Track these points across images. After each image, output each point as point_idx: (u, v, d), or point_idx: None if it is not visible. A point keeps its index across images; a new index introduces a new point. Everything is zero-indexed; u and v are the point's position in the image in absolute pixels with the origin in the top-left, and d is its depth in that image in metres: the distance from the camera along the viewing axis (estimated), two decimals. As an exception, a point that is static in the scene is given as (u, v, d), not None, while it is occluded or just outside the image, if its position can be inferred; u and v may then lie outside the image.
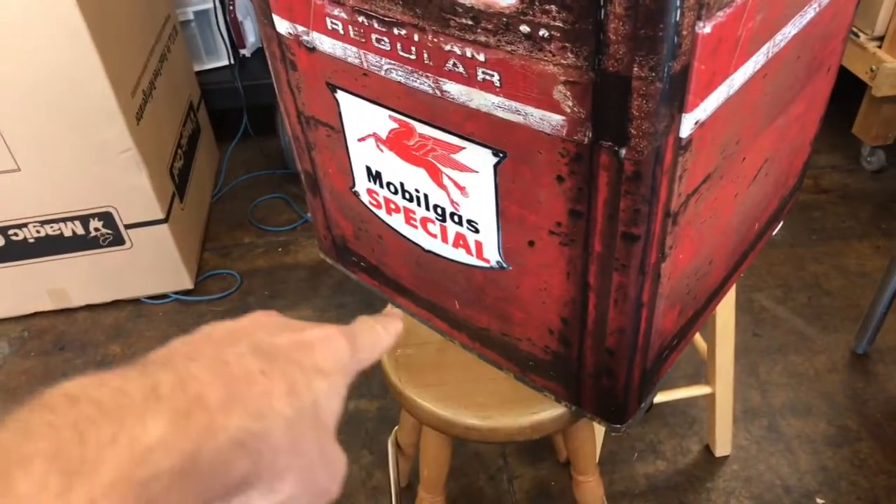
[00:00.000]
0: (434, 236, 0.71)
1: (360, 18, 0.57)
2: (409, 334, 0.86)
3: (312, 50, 0.65)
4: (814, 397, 1.44)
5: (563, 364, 0.71)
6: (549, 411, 0.77)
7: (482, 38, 0.51)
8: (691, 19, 0.43)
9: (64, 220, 1.55)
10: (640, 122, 0.47)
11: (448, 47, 0.53)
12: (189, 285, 1.74)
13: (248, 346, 0.29)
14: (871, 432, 1.37)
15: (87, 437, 0.22)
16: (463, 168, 0.61)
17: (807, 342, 1.55)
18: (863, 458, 1.33)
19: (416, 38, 0.55)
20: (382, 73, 0.60)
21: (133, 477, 0.22)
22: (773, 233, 0.89)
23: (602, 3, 0.43)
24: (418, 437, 0.95)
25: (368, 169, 0.71)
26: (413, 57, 0.56)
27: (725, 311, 1.10)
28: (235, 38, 2.06)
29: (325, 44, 0.63)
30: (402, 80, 0.59)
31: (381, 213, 0.75)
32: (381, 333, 0.36)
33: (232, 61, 2.07)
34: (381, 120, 0.64)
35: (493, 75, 0.52)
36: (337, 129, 0.70)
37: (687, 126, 0.49)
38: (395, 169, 0.68)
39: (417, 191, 0.68)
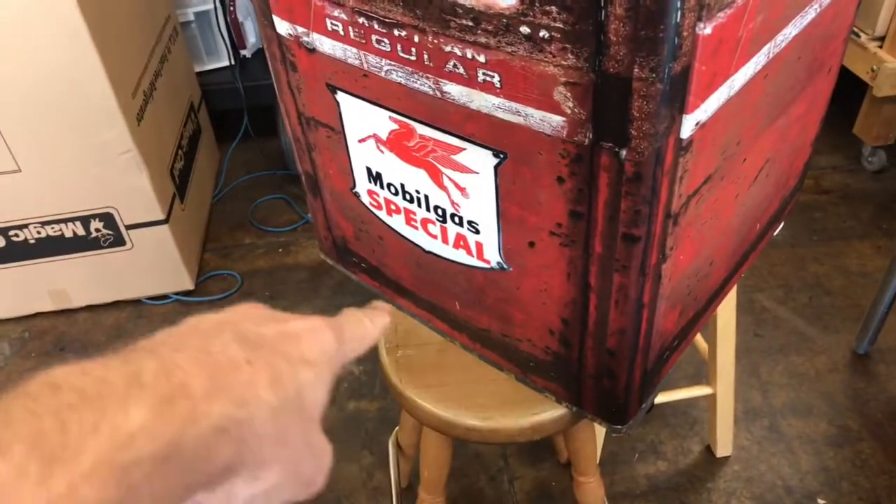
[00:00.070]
0: (434, 237, 0.71)
1: (361, 20, 0.57)
2: (410, 335, 0.86)
3: (313, 51, 0.64)
4: (815, 397, 1.44)
5: (563, 365, 0.70)
6: (550, 412, 0.77)
7: (482, 40, 0.51)
8: (692, 20, 0.43)
9: (64, 220, 1.55)
10: (641, 123, 0.47)
11: (448, 48, 0.53)
12: (190, 286, 1.74)
13: (233, 336, 0.29)
14: (873, 432, 1.37)
15: (68, 425, 0.22)
16: (463, 169, 0.61)
17: (808, 342, 1.55)
18: (864, 458, 1.33)
19: (416, 39, 0.55)
20: (383, 74, 0.60)
21: (114, 462, 0.22)
22: (774, 233, 0.89)
23: (602, 5, 0.43)
24: (419, 438, 0.95)
25: (369, 170, 0.71)
26: (413, 58, 0.56)
27: (726, 312, 1.10)
28: (236, 39, 2.06)
29: (326, 45, 0.63)
30: (403, 82, 0.59)
31: (382, 214, 0.75)
32: (368, 326, 0.36)
33: (232, 62, 2.07)
34: (382, 121, 0.64)
35: (493, 76, 0.52)
36: (337, 130, 0.70)
37: (688, 127, 0.49)
38: (396, 170, 0.68)
39: (418, 192, 0.68)
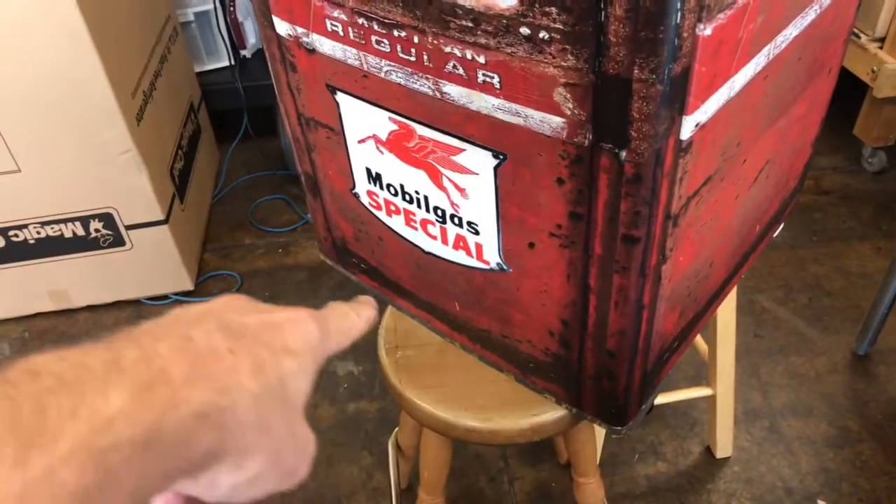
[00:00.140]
0: (434, 238, 0.71)
1: (360, 20, 0.57)
2: (409, 336, 0.86)
3: (312, 51, 0.64)
4: (815, 398, 1.44)
5: (563, 366, 0.70)
6: (550, 413, 0.76)
7: (482, 40, 0.51)
8: (692, 21, 0.43)
9: (64, 221, 1.55)
10: (641, 124, 0.47)
11: (448, 49, 0.53)
12: (189, 286, 1.74)
13: (216, 326, 0.29)
14: (873, 433, 1.37)
15: (46, 409, 0.22)
16: (463, 170, 0.61)
17: (808, 343, 1.55)
18: (864, 459, 1.33)
19: (415, 39, 0.55)
20: (382, 74, 0.60)
21: (92, 446, 0.22)
22: (774, 234, 0.89)
23: (602, 6, 0.43)
24: (418, 439, 0.95)
25: (368, 171, 0.71)
26: (413, 59, 0.56)
27: (726, 313, 1.10)
28: (236, 39, 2.06)
29: (325, 45, 0.63)
30: (402, 82, 0.59)
31: (382, 215, 0.75)
32: (353, 319, 0.36)
33: (232, 62, 2.07)
34: (381, 122, 0.64)
35: (493, 77, 0.52)
36: (337, 130, 0.70)
37: (687, 128, 0.49)
38: (396, 171, 0.68)
39: (417, 192, 0.68)
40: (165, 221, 1.60)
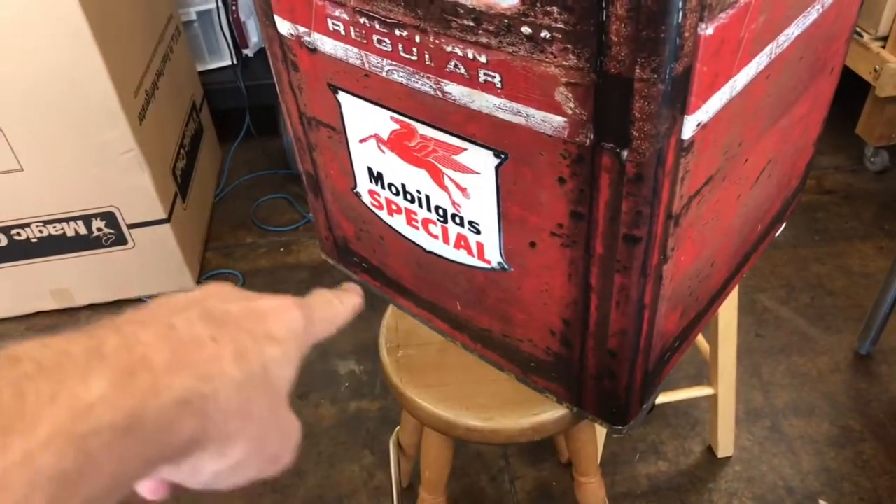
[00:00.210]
0: (435, 237, 0.71)
1: (362, 20, 0.57)
2: (411, 335, 0.86)
3: (314, 51, 0.64)
4: (817, 398, 1.44)
5: (564, 365, 0.70)
6: (551, 413, 0.76)
7: (483, 40, 0.51)
8: (693, 21, 0.43)
9: (66, 219, 1.55)
10: (642, 123, 0.47)
11: (449, 48, 0.53)
12: (191, 285, 1.74)
13: (198, 314, 0.29)
14: (874, 433, 1.37)
15: (26, 395, 0.22)
16: (464, 169, 0.61)
17: (810, 343, 1.54)
18: (866, 458, 1.33)
19: (417, 39, 0.55)
20: (384, 74, 0.60)
21: (72, 432, 0.22)
22: (776, 234, 0.89)
23: (604, 5, 0.43)
24: (420, 438, 0.95)
25: (370, 170, 0.71)
26: (414, 58, 0.56)
27: (728, 312, 1.10)
28: (238, 38, 2.06)
29: (327, 45, 0.63)
30: (404, 82, 0.59)
31: (383, 214, 0.75)
32: (338, 306, 0.36)
33: (235, 61, 2.07)
34: (383, 121, 0.64)
35: (494, 77, 0.52)
36: (338, 130, 0.70)
37: (689, 128, 0.49)
38: (397, 170, 0.68)
39: (419, 192, 0.68)
40: (167, 220, 1.60)
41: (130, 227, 1.59)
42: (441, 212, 0.67)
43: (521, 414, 0.77)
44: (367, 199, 0.75)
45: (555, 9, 0.45)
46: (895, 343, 1.52)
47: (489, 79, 0.52)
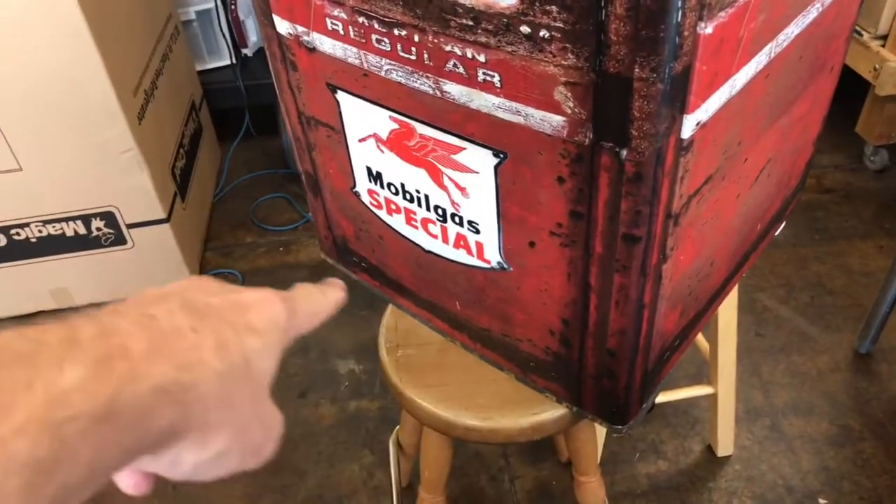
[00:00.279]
0: (435, 237, 0.71)
1: (361, 19, 0.57)
2: (410, 335, 0.86)
3: (313, 50, 0.64)
4: (816, 397, 1.44)
5: (564, 365, 0.70)
6: (550, 412, 0.76)
7: (482, 39, 0.50)
8: (693, 20, 0.43)
9: (66, 219, 1.55)
10: (642, 123, 0.47)
11: (448, 48, 0.53)
12: (191, 285, 1.74)
13: (179, 304, 0.29)
14: (874, 432, 1.37)
15: (2, 382, 0.22)
16: (463, 169, 0.61)
17: (809, 342, 1.54)
18: (865, 458, 1.33)
19: (416, 38, 0.55)
20: (383, 73, 0.60)
21: (47, 418, 0.22)
22: (776, 233, 0.89)
23: (603, 4, 0.43)
24: (419, 438, 0.95)
25: (369, 169, 0.71)
26: (413, 57, 0.56)
27: (728, 312, 1.10)
28: (237, 38, 2.06)
29: (326, 44, 0.62)
30: (403, 81, 0.59)
31: (382, 214, 0.75)
32: (321, 300, 0.36)
33: (234, 61, 2.07)
34: (382, 120, 0.64)
35: (493, 76, 0.52)
36: (337, 129, 0.70)
37: (688, 127, 0.49)
38: (396, 169, 0.68)
39: (418, 191, 0.68)
40: (167, 220, 1.60)
41: (130, 226, 1.59)
42: (440, 211, 0.67)
43: (521, 413, 0.77)
44: (366, 198, 0.75)
45: (554, 8, 0.45)
46: (895, 342, 1.52)
47: (488, 78, 0.52)
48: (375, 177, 0.71)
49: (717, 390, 1.24)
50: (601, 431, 1.04)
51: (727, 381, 1.22)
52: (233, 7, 2.00)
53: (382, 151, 0.68)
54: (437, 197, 0.66)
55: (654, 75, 0.44)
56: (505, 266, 0.66)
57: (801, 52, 0.62)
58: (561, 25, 0.46)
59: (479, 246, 0.67)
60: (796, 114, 0.71)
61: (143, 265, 1.67)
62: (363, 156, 0.70)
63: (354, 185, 0.75)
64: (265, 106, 2.04)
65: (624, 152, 0.49)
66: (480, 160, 0.59)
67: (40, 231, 1.56)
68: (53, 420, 0.22)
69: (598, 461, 1.02)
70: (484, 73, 0.52)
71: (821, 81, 0.74)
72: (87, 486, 0.24)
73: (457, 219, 0.66)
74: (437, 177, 0.64)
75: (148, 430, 0.25)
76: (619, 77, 0.46)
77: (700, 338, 1.24)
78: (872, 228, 1.82)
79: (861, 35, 1.81)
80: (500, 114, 0.54)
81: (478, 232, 0.66)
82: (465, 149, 0.59)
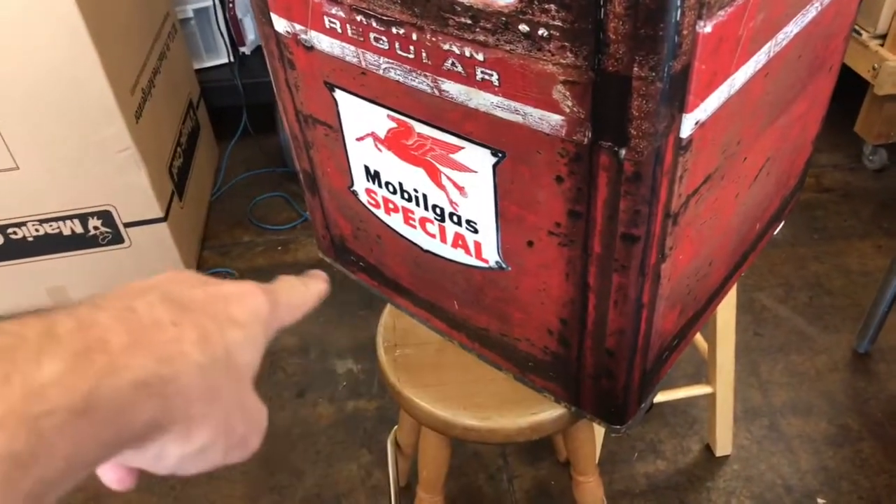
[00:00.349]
0: (433, 236, 0.70)
1: (359, 17, 0.57)
2: (408, 334, 0.85)
3: (310, 49, 0.64)
4: (815, 397, 1.44)
5: (562, 365, 0.70)
6: (549, 412, 0.76)
7: (481, 38, 0.50)
8: (692, 19, 0.43)
9: (63, 218, 1.55)
10: (640, 122, 0.47)
11: (447, 46, 0.53)
12: (189, 284, 1.74)
13: (159, 298, 0.29)
14: (873, 432, 1.37)
15: None
16: (462, 168, 0.61)
17: (808, 341, 1.54)
18: (864, 457, 1.33)
19: (414, 37, 0.54)
20: (381, 72, 0.59)
21: (24, 412, 0.22)
22: (775, 232, 0.88)
23: (602, 3, 0.43)
24: (417, 437, 0.95)
25: (367, 168, 0.71)
26: (411, 56, 0.56)
27: (726, 311, 1.10)
28: (235, 36, 2.06)
29: (324, 42, 0.62)
30: (401, 80, 0.58)
31: (380, 213, 0.74)
32: (303, 292, 0.36)
33: (232, 59, 2.06)
34: (380, 119, 0.64)
35: (491, 75, 0.52)
36: (335, 128, 0.70)
37: (687, 126, 0.49)
38: (394, 168, 0.68)
39: (416, 190, 0.68)
40: (164, 219, 1.60)
41: (127, 225, 1.59)
42: (438, 211, 0.67)
43: (519, 413, 0.76)
44: (364, 197, 0.75)
45: (552, 6, 0.45)
46: (893, 342, 1.52)
47: (486, 77, 0.52)
48: (373, 176, 0.71)
49: (715, 390, 1.24)
50: (599, 431, 1.04)
51: (726, 381, 1.22)
52: (231, 5, 1.99)
53: (380, 150, 0.67)
54: (436, 196, 0.66)
55: (653, 74, 0.44)
56: (503, 265, 0.66)
57: (800, 51, 0.62)
58: (559, 24, 0.46)
59: (478, 245, 0.67)
60: (795, 113, 0.71)
61: (140, 264, 1.66)
62: (361, 155, 0.70)
63: (352, 184, 0.75)
64: (263, 104, 2.04)
65: (623, 151, 0.49)
66: (479, 159, 0.59)
67: (37, 230, 1.56)
68: (30, 414, 0.22)
69: (597, 461, 1.02)
70: (482, 72, 0.52)
71: (820, 81, 0.74)
72: (66, 480, 0.23)
73: (455, 218, 0.66)
74: (435, 176, 0.64)
75: (128, 423, 0.25)
76: (618, 76, 0.46)
77: (699, 337, 1.23)
78: (871, 228, 1.82)
79: (860, 34, 1.80)
80: (499, 113, 0.54)
81: (476, 231, 0.65)
82: (463, 148, 0.59)
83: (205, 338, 0.28)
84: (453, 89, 0.55)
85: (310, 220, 1.55)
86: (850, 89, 1.71)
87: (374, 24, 0.56)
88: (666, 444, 1.38)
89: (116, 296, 0.28)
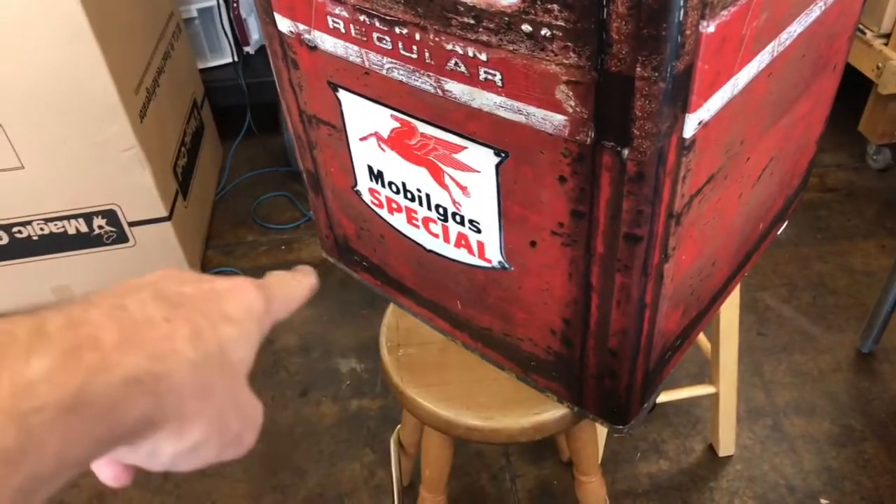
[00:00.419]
0: (436, 236, 0.70)
1: (362, 17, 0.57)
2: (411, 334, 0.85)
3: (314, 48, 0.64)
4: (818, 397, 1.43)
5: (565, 365, 0.70)
6: (552, 412, 0.76)
7: (484, 38, 0.50)
8: (695, 18, 0.43)
9: (68, 217, 1.55)
10: (643, 122, 0.47)
11: (450, 46, 0.53)
12: (192, 283, 1.74)
13: (151, 295, 0.28)
14: (876, 432, 1.37)
15: None
16: (465, 168, 0.61)
17: (811, 341, 1.54)
18: (867, 458, 1.33)
19: (417, 37, 0.54)
20: (384, 72, 0.59)
21: (13, 409, 0.22)
22: (778, 232, 0.88)
23: (605, 3, 0.43)
24: (420, 437, 0.95)
25: (370, 168, 0.71)
26: (415, 56, 0.56)
27: (729, 311, 1.10)
28: (239, 36, 2.06)
29: (327, 42, 0.62)
30: (404, 80, 0.58)
31: (383, 213, 0.75)
32: (294, 287, 0.37)
33: (236, 59, 2.06)
34: (383, 119, 0.64)
35: (494, 75, 0.52)
36: (338, 127, 0.70)
37: (690, 126, 0.49)
38: (397, 168, 0.68)
39: (419, 190, 0.68)
40: (168, 218, 1.60)
41: (131, 224, 1.59)
42: (441, 210, 0.67)
43: (522, 413, 0.76)
44: (367, 197, 0.75)
45: (555, 6, 0.45)
46: (897, 342, 1.52)
47: (489, 77, 0.52)
48: (376, 175, 0.71)
49: (718, 390, 1.23)
50: (602, 431, 1.04)
51: (729, 381, 1.22)
52: (234, 5, 2.00)
53: (384, 150, 0.67)
54: (439, 196, 0.66)
55: (656, 74, 0.44)
56: (506, 265, 0.66)
57: (803, 50, 0.62)
58: (562, 24, 0.46)
59: (481, 245, 0.67)
60: (799, 112, 0.70)
61: (144, 263, 1.67)
62: (364, 154, 0.70)
63: (355, 184, 0.75)
64: (267, 104, 2.04)
65: (626, 152, 0.49)
66: (482, 159, 0.59)
67: (42, 229, 1.56)
68: (20, 410, 0.22)
69: (600, 461, 1.02)
70: (485, 72, 0.52)
71: (823, 80, 0.73)
72: (58, 476, 0.23)
73: (458, 218, 0.66)
74: (438, 176, 0.64)
75: (120, 420, 0.25)
76: (621, 76, 0.46)
77: (702, 337, 1.23)
78: (875, 228, 1.81)
79: (864, 33, 1.80)
80: (502, 113, 0.54)
81: (479, 231, 0.65)
82: (466, 148, 0.59)
83: (197, 334, 0.28)
84: (456, 89, 0.55)
85: (313, 220, 1.55)
86: (854, 88, 1.71)
87: (377, 24, 0.56)
88: (669, 444, 1.38)
89: (109, 293, 0.28)
